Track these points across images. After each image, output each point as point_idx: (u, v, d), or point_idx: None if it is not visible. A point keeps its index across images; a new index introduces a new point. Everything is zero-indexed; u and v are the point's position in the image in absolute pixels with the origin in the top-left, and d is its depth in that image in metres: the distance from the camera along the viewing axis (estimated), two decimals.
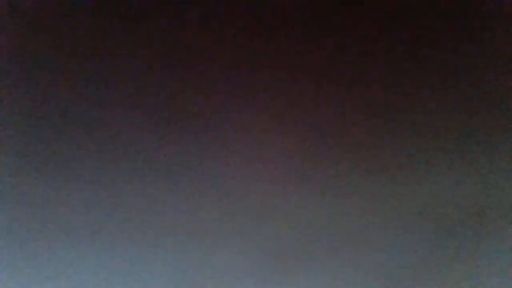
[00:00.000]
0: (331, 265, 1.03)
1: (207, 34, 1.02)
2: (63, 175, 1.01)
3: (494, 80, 1.05)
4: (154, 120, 1.02)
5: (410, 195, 1.03)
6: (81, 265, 1.01)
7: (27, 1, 0.99)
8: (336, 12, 1.03)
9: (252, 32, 1.03)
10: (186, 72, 1.02)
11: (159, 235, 1.02)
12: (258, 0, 1.02)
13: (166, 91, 1.02)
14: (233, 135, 1.02)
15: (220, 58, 1.03)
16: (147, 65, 1.02)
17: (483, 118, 1.04)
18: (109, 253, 1.01)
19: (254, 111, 1.03)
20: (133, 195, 1.01)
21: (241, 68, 1.03)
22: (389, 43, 1.03)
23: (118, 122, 1.01)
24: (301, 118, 1.03)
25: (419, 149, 1.04)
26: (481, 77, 1.05)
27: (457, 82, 1.05)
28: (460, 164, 1.04)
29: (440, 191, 1.04)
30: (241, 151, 1.02)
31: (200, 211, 1.02)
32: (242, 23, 1.03)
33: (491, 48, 1.05)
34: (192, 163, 1.02)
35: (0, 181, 1.00)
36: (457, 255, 1.03)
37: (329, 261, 1.03)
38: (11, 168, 1.00)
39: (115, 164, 1.01)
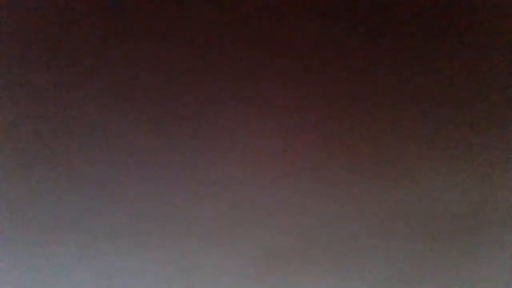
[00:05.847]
0: (330, 266, 1.03)
1: (206, 34, 1.02)
2: (63, 175, 1.01)
3: (493, 79, 1.05)
4: (154, 121, 1.02)
5: (410, 195, 1.03)
6: (81, 265, 1.01)
7: (27, 2, 0.99)
8: (335, 12, 1.03)
9: (250, 31, 1.03)
10: (185, 73, 1.02)
11: (158, 235, 1.02)
12: (258, 0, 1.02)
13: (166, 91, 1.02)
14: (233, 135, 1.02)
15: (220, 59, 1.03)
16: (146, 66, 1.02)
17: (482, 118, 1.05)
18: (109, 253, 1.01)
19: (254, 112, 1.03)
20: (132, 196, 1.01)
21: (241, 69, 1.03)
22: (388, 44, 1.03)
23: (117, 122, 1.01)
24: (301, 120, 1.03)
25: (419, 150, 1.04)
26: (480, 76, 1.05)
27: (456, 81, 1.05)
28: (460, 165, 1.04)
29: (440, 193, 1.04)
30: (241, 151, 1.02)
31: (200, 211, 1.02)
32: (240, 22, 1.03)
33: (491, 48, 1.05)
34: (192, 163, 1.02)
35: (0, 181, 1.00)
36: (456, 256, 1.04)
37: (327, 262, 1.03)
38: (12, 168, 1.00)
39: (114, 164, 1.01)
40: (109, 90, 1.01)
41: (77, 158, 1.01)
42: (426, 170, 1.04)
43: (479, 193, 1.04)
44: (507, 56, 1.05)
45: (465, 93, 1.05)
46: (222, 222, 1.02)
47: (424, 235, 1.04)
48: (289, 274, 1.03)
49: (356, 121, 1.03)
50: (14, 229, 1.00)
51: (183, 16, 1.02)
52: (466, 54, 1.05)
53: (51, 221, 1.01)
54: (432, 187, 1.04)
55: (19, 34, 1.00)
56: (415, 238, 1.03)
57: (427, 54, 1.04)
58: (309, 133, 1.03)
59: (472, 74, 1.05)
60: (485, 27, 1.05)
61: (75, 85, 1.01)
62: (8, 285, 1.00)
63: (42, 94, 1.01)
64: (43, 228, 1.01)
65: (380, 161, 1.03)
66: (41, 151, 1.00)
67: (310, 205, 1.03)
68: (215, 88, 1.02)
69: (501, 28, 1.05)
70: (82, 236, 1.01)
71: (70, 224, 1.01)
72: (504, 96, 1.05)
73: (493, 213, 1.04)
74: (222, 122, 1.02)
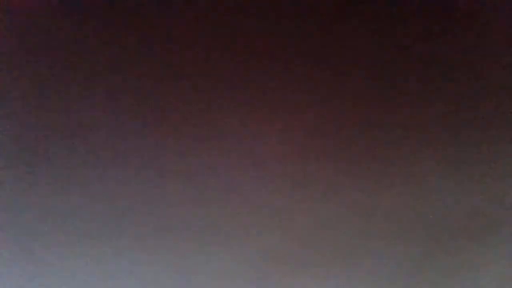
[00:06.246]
0: (330, 268, 1.03)
1: (205, 34, 1.02)
2: (62, 176, 1.01)
3: (493, 80, 1.05)
4: (154, 121, 1.02)
5: (411, 197, 1.03)
6: (81, 266, 1.01)
7: (26, 2, 0.99)
8: (335, 12, 1.03)
9: (250, 31, 1.03)
10: (184, 72, 1.02)
11: (158, 236, 1.02)
12: (256, 1, 1.02)
13: (167, 93, 1.02)
14: (233, 136, 1.02)
15: (219, 59, 1.02)
16: (145, 66, 1.02)
17: (482, 118, 1.04)
18: (108, 253, 1.01)
19: (254, 112, 1.03)
20: (132, 196, 1.01)
21: (240, 68, 1.03)
22: (388, 43, 1.03)
23: (117, 123, 1.01)
24: (301, 123, 1.02)
25: (419, 151, 1.03)
26: (481, 77, 1.05)
27: (457, 82, 1.04)
28: (460, 166, 1.04)
29: (440, 194, 1.04)
30: (240, 152, 1.02)
31: (199, 213, 1.02)
32: (239, 22, 1.02)
33: (492, 49, 1.05)
34: (192, 164, 1.02)
35: (0, 182, 1.00)
36: (457, 257, 1.03)
37: (328, 264, 1.03)
38: (12, 168, 1.00)
39: (114, 164, 1.01)
40: (108, 91, 1.01)
41: (76, 159, 1.01)
42: (427, 171, 1.03)
43: (480, 195, 1.04)
44: (508, 58, 1.05)
45: (465, 94, 1.04)
46: (221, 223, 1.02)
47: (425, 237, 1.03)
48: (289, 276, 1.03)
49: (357, 124, 1.03)
50: (11, 229, 1.00)
51: (184, 18, 1.02)
52: (466, 55, 1.04)
53: (50, 222, 1.01)
54: (433, 188, 1.03)
55: (19, 35, 1.00)
56: (415, 240, 1.03)
57: (427, 56, 1.04)
58: (309, 136, 1.03)
59: (472, 76, 1.05)
60: (486, 29, 1.04)
61: (74, 86, 1.01)
62: (5, 284, 1.00)
63: (42, 94, 1.01)
64: (43, 229, 1.01)
65: (380, 163, 1.03)
66: (38, 151, 1.00)
67: (310, 207, 1.03)
68: (217, 90, 1.02)
69: (502, 30, 1.05)
70: (82, 237, 1.01)
71: (70, 224, 1.01)
72: (504, 97, 1.05)
73: (493, 215, 1.04)
74: (222, 124, 1.02)
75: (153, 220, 1.02)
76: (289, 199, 1.03)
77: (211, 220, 1.02)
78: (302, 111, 1.03)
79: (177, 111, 1.02)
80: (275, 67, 1.03)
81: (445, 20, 1.04)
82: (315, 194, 1.03)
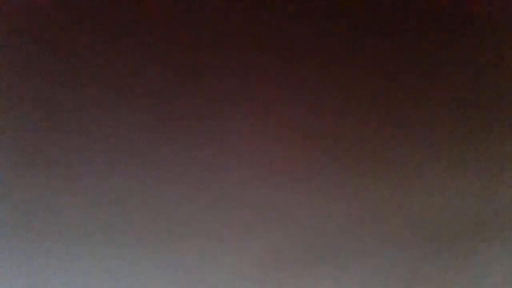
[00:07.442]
0: (333, 269, 1.03)
1: (205, 34, 1.02)
2: (62, 175, 1.01)
3: (494, 80, 1.05)
4: (154, 121, 1.02)
5: (412, 199, 1.03)
6: (80, 265, 1.01)
7: (27, 2, 0.99)
8: (334, 11, 1.03)
9: (250, 31, 1.02)
10: (184, 72, 1.02)
11: (159, 236, 1.02)
12: (256, 2, 1.02)
13: (165, 91, 1.02)
14: (234, 135, 1.02)
15: (219, 58, 1.02)
16: (146, 66, 1.02)
17: (483, 119, 1.04)
18: (109, 253, 1.01)
19: (253, 112, 1.02)
20: (132, 196, 1.01)
21: (240, 68, 1.03)
22: (391, 44, 1.03)
23: (117, 122, 1.01)
24: (305, 122, 1.02)
25: (420, 153, 1.03)
26: (482, 77, 1.05)
27: (458, 82, 1.04)
28: (460, 167, 1.04)
29: (440, 195, 1.04)
30: (241, 152, 1.02)
31: (200, 212, 1.02)
32: (239, 23, 1.02)
33: (492, 48, 1.04)
34: (193, 164, 1.02)
35: (0, 181, 1.00)
36: (458, 259, 1.03)
37: (331, 264, 1.03)
38: (11, 168, 1.00)
39: (114, 164, 1.01)
40: (108, 89, 1.01)
41: (77, 158, 1.01)
42: (429, 172, 1.03)
43: (480, 196, 1.04)
44: (509, 58, 1.05)
45: (466, 95, 1.04)
46: (225, 223, 1.02)
47: (426, 239, 1.03)
48: (291, 276, 1.03)
49: (359, 125, 1.03)
50: (13, 229, 1.00)
51: (184, 17, 1.02)
52: (467, 55, 1.04)
53: (50, 222, 1.01)
54: (435, 189, 1.03)
55: (19, 34, 1.00)
56: (417, 240, 1.03)
57: (431, 56, 1.04)
58: (313, 136, 1.03)
59: (473, 76, 1.05)
60: (487, 29, 1.04)
61: (75, 85, 1.01)
62: (5, 284, 1.00)
63: (42, 94, 1.01)
64: (42, 229, 1.01)
65: (383, 163, 1.03)
66: (38, 150, 1.00)
67: (312, 206, 1.03)
68: (219, 89, 1.02)
69: (503, 31, 1.05)
70: (82, 237, 1.01)
71: (70, 225, 1.01)
72: (504, 99, 1.05)
73: (494, 216, 1.04)
74: (227, 123, 1.02)
75: (154, 219, 1.02)
76: (291, 198, 1.03)
77: (212, 220, 1.02)
78: (305, 111, 1.03)
79: (177, 111, 1.02)
80: (277, 68, 1.03)
81: (445, 20, 1.04)
82: (317, 194, 1.03)
